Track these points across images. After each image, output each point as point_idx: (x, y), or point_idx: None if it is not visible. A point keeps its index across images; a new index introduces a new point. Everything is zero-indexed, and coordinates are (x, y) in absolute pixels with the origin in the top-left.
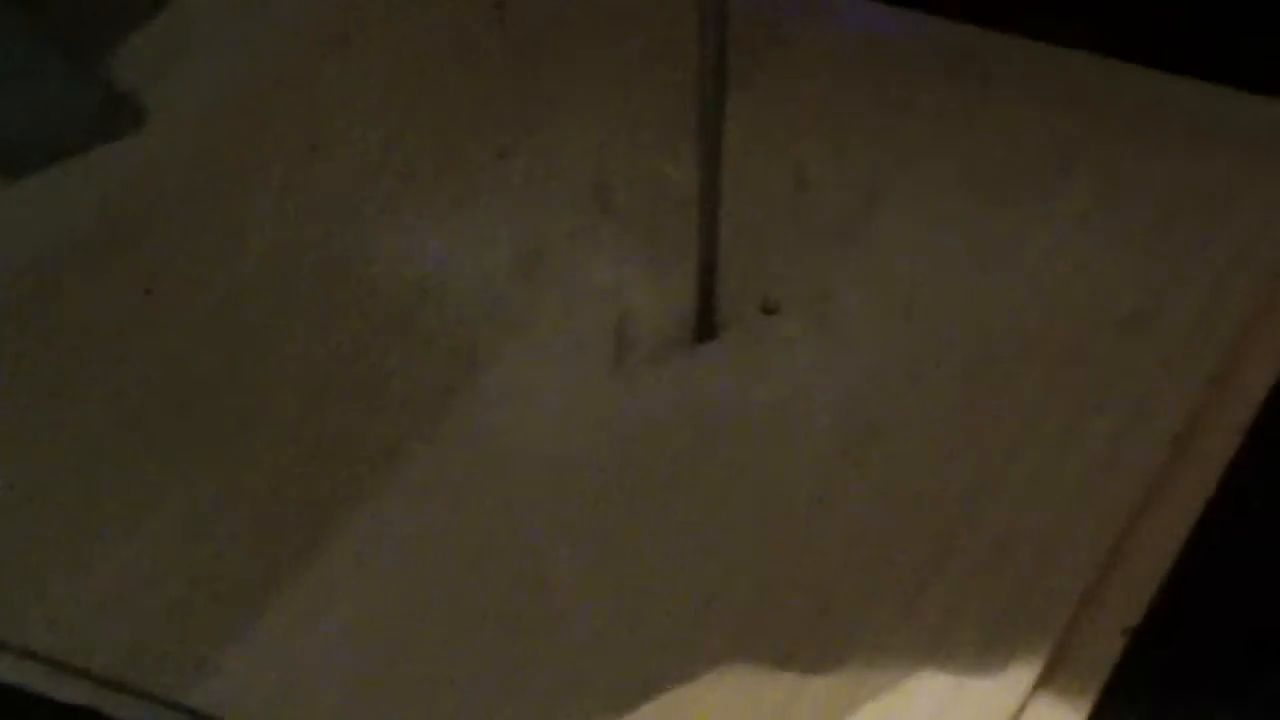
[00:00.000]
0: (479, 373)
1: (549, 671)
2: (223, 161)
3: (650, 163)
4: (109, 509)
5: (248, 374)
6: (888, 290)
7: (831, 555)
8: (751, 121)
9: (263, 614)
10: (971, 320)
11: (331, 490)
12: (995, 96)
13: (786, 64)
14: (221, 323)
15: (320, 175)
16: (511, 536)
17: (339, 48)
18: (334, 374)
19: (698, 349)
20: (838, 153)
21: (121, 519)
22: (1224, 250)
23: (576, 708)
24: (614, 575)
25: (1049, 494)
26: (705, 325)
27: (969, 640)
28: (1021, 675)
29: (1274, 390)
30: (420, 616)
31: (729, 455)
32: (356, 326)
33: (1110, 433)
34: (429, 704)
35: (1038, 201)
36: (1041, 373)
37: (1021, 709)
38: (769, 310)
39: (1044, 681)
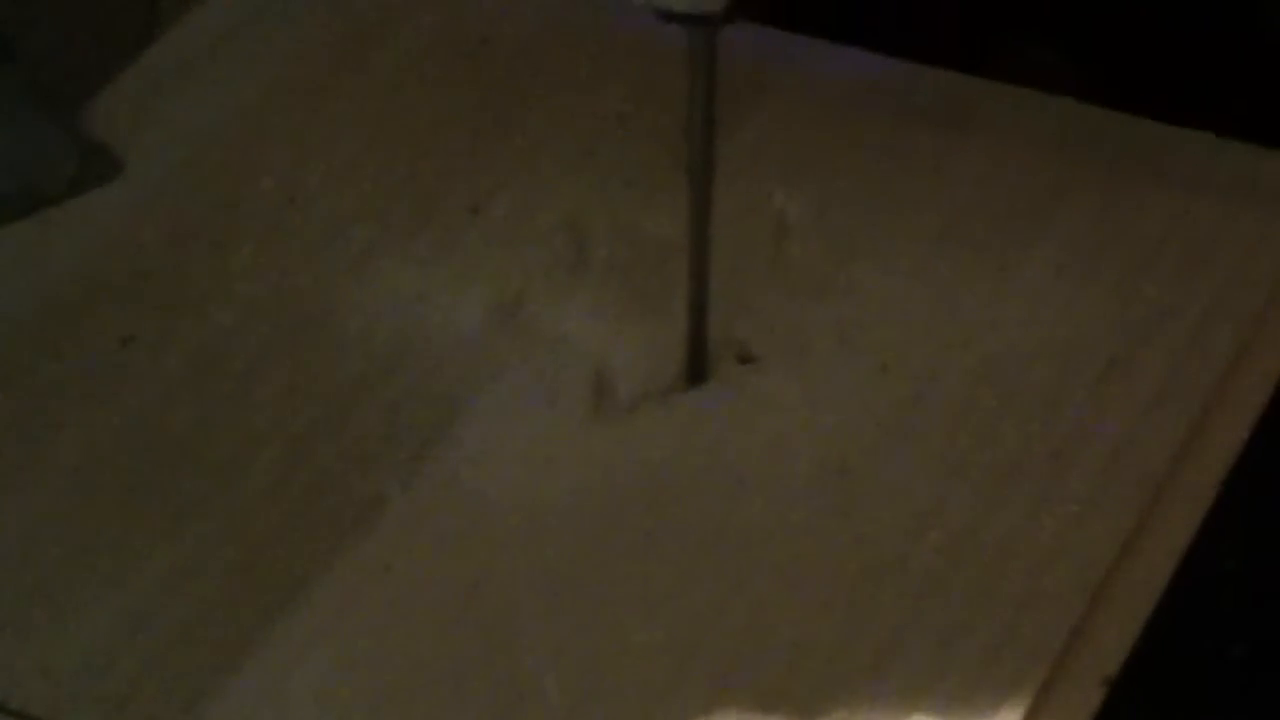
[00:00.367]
0: (456, 423)
1: None
2: (200, 213)
3: (628, 213)
4: (91, 562)
5: (227, 424)
6: (867, 341)
7: (810, 607)
8: (732, 169)
9: (245, 665)
10: (950, 370)
11: (311, 541)
12: (976, 143)
13: (768, 111)
14: (200, 373)
15: (298, 227)
16: (490, 586)
17: (315, 99)
18: (313, 424)
19: (674, 400)
20: (819, 201)
21: (104, 573)
22: (1203, 297)
23: None
24: (591, 627)
25: (1028, 544)
26: (696, 369)
27: (948, 691)
28: None
29: (1252, 437)
30: (400, 668)
31: (706, 506)
32: (335, 377)
33: (1089, 482)
34: None
35: (1018, 248)
36: (1020, 422)
37: None
38: (746, 359)
39: None
